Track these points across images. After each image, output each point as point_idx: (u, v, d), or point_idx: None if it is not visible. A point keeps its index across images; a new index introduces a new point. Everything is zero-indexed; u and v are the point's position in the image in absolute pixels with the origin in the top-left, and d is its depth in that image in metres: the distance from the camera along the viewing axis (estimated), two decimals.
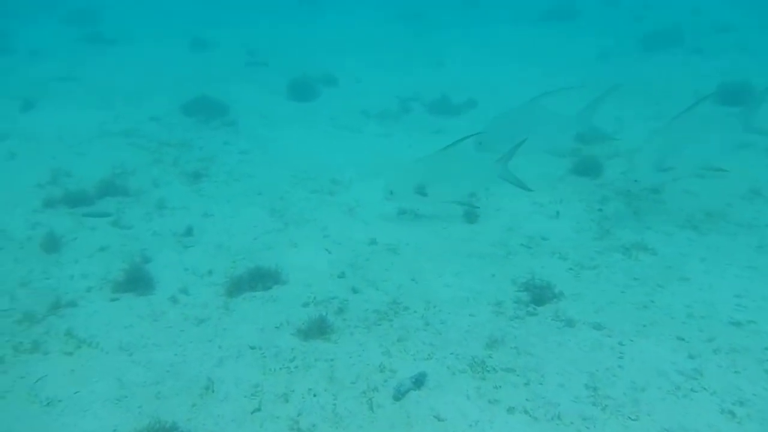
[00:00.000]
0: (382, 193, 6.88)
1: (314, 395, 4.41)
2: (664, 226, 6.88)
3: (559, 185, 8.00)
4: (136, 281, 5.61)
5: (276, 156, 9.09)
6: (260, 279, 5.80)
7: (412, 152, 9.26)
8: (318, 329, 5.09)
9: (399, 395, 4.41)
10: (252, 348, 4.88)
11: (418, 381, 4.52)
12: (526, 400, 4.34)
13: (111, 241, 6.43)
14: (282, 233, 6.83)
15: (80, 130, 9.59)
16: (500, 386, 4.48)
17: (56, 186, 7.58)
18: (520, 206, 7.49)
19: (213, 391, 4.42)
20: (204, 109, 10.54)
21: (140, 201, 7.40)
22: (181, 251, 6.37)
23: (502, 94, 12.14)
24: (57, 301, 5.26)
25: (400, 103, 11.63)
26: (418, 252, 6.50)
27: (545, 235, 6.82)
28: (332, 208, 7.44)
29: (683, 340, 4.97)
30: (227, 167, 8.55)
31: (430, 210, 7.40)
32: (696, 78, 12.93)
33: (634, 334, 5.05)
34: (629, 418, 4.18)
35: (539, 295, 5.58)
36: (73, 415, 4.20)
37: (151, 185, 7.83)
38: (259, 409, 4.27)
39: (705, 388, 4.43)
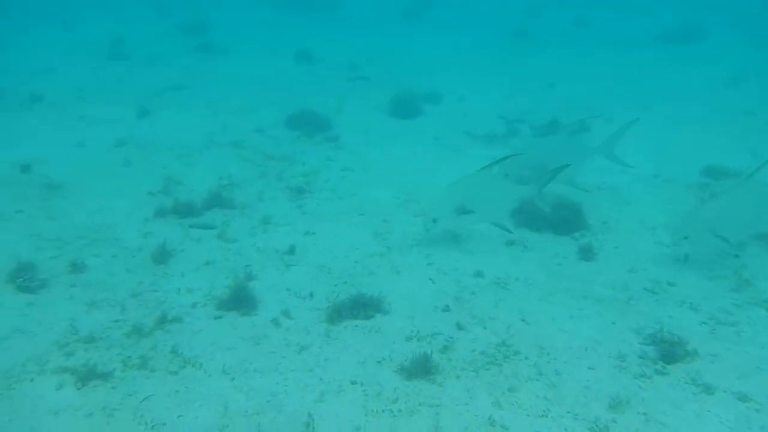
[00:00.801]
0: (423, 224, 6.69)
1: None
2: None
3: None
4: (240, 300, 5.53)
5: (379, 175, 8.90)
6: (362, 307, 5.57)
7: None
8: (422, 368, 4.77)
9: None
10: (353, 383, 4.64)
11: None
12: None
13: (216, 255, 6.43)
14: (384, 258, 6.59)
15: (190, 140, 9.83)
16: None
17: (167, 195, 7.74)
18: (643, 245, 6.88)
19: (314, 430, 4.21)
20: (307, 123, 10.57)
21: (245, 214, 7.41)
22: (283, 270, 6.26)
23: (616, 119, 11.42)
24: (164, 315, 5.25)
25: (506, 124, 11.19)
26: (528, 289, 6.07)
27: (672, 280, 6.19)
28: (436, 235, 7.13)
29: None
30: (330, 184, 8.46)
31: (540, 243, 6.94)
32: None
33: None
34: None
35: (669, 351, 5.00)
36: None
37: (256, 199, 7.84)
38: None
39: None
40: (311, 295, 5.83)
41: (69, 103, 11.42)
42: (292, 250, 6.62)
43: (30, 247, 6.19)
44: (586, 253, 6.69)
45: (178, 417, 4.27)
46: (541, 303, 5.82)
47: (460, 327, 5.39)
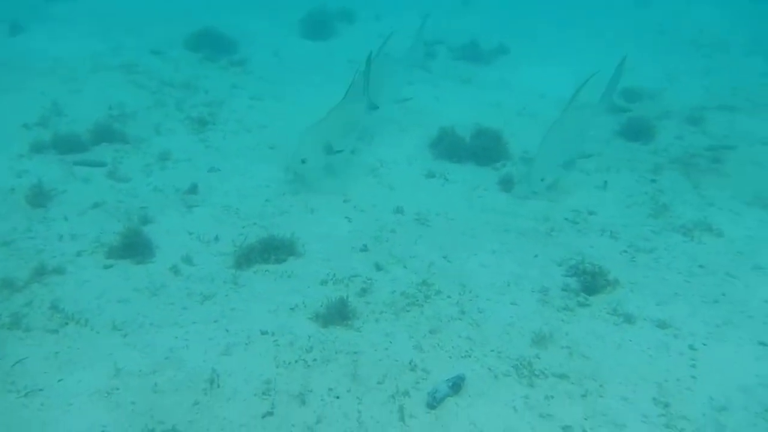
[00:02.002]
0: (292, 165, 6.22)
1: (336, 397, 3.78)
2: (729, 203, 6.15)
3: (606, 151, 7.21)
4: (134, 246, 4.92)
5: (291, 104, 8.24)
6: (273, 250, 5.10)
7: (440, 105, 8.43)
8: (338, 313, 4.43)
9: (434, 403, 3.78)
10: (264, 333, 4.23)
11: (456, 385, 3.88)
12: (585, 418, 3.72)
13: (106, 196, 5.71)
14: (298, 196, 6.10)
15: (75, 62, 8.70)
16: (552, 396, 3.85)
17: (46, 128, 6.79)
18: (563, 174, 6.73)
19: (219, 387, 3.79)
20: (211, 43, 9.64)
21: (140, 149, 6.64)
22: (184, 212, 5.65)
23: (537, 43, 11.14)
24: (42, 265, 4.58)
25: (423, 46, 10.65)
26: (450, 224, 5.79)
27: (592, 209, 6.09)
28: (353, 169, 6.68)
29: (766, 345, 4.32)
30: (237, 114, 7.74)
31: (462, 174, 6.65)
32: None
33: (705, 335, 4.40)
34: None
35: (591, 282, 4.89)
36: (54, 409, 3.58)
37: (153, 132, 7.04)
38: (271, 413, 3.65)
39: None
40: (216, 238, 5.29)
41: None
42: (194, 189, 5.99)
43: None
44: (507, 184, 6.46)
45: (58, 381, 3.73)
46: (463, 238, 5.57)
47: (378, 267, 5.06)
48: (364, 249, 5.32)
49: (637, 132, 7.49)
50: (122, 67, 8.68)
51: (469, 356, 4.15)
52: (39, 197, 5.44)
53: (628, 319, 4.55)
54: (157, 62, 9.14)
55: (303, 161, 5.94)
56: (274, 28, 11.20)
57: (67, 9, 11.12)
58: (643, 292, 4.86)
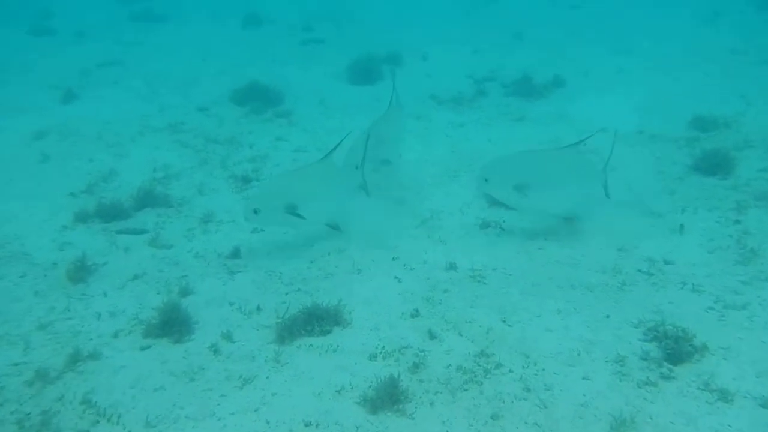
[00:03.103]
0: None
1: None
2: None
3: (680, 188, 6.56)
4: (172, 323, 4.66)
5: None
6: (317, 320, 4.74)
7: (494, 146, 8.00)
8: (389, 396, 3.99)
9: None
10: (307, 425, 3.83)
11: None
12: None
13: (147, 266, 5.52)
14: (343, 254, 5.75)
15: (122, 126, 8.76)
16: None
17: (92, 195, 6.75)
18: (632, 216, 6.14)
19: None
20: (256, 96, 9.56)
21: (182, 213, 6.47)
22: (226, 279, 5.39)
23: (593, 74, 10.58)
24: (77, 351, 4.35)
25: (474, 84, 10.30)
26: (508, 280, 5.30)
27: (669, 257, 5.47)
28: (401, 220, 6.30)
29: None
30: (280, 169, 7.52)
31: (519, 223, 6.16)
32: None
33: None
34: None
35: (674, 348, 4.29)
36: None
37: (196, 192, 6.90)
38: None
39: None
40: (258, 308, 4.98)
41: None
42: (236, 253, 5.74)
43: None
44: (570, 232, 5.93)
45: None
46: (524, 296, 5.06)
47: (432, 336, 4.61)
48: (416, 314, 4.90)
49: (714, 165, 6.80)
50: (169, 128, 8.68)
51: None
52: (80, 272, 5.29)
53: (724, 395, 3.92)
54: (202, 119, 9.12)
55: (255, 211, 5.42)
56: (322, 78, 11.10)
57: (116, 72, 11.38)
58: (738, 360, 4.22)
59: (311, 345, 4.55)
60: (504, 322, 4.76)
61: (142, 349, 4.50)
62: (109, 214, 6.27)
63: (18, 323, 4.66)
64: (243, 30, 14.70)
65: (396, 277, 5.41)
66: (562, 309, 4.88)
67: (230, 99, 9.75)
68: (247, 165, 7.58)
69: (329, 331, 4.69)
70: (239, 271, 5.52)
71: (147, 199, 6.55)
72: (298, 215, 5.47)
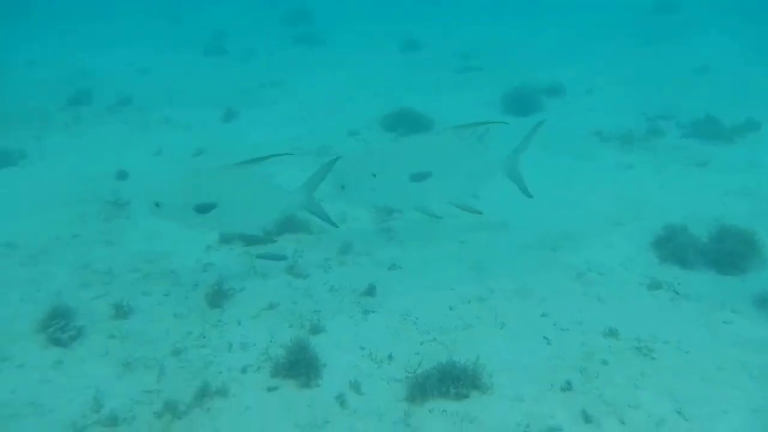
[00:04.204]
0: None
1: None
2: None
3: None
4: (300, 364, 4.39)
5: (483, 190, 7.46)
6: (453, 380, 4.24)
7: (666, 194, 7.04)
8: None
9: None
10: None
11: None
12: None
13: (282, 296, 5.36)
14: (485, 304, 5.21)
15: (273, 147, 8.87)
16: None
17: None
18: None
19: None
20: (406, 122, 9.30)
21: (321, 241, 6.29)
22: (358, 320, 5.07)
23: None
24: (206, 385, 4.21)
25: (646, 121, 9.27)
26: (684, 359, 4.45)
27: None
28: (554, 273, 5.63)
29: None
30: None
31: (698, 287, 5.23)
32: None
33: None
34: None
35: None
36: None
37: (338, 220, 6.67)
38: None
39: None
40: (390, 357, 4.58)
41: (155, 105, 10.86)
42: (371, 291, 5.41)
43: (76, 283, 5.44)
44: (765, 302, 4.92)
45: None
46: (705, 383, 4.19)
47: (587, 418, 3.93)
48: (567, 387, 4.23)
49: None
50: (317, 150, 8.66)
51: None
52: (217, 296, 5.23)
53: None
54: (350, 144, 9.03)
55: (156, 204, 4.98)
56: (475, 106, 10.66)
57: (275, 93, 11.74)
58: None
59: (444, 411, 4.05)
60: (679, 414, 3.95)
61: (269, 390, 4.26)
62: (252, 237, 6.24)
63: (155, 346, 4.65)
64: (399, 54, 14.72)
65: (545, 338, 4.77)
66: (759, 408, 3.95)
67: (380, 124, 9.60)
68: None
69: (466, 396, 4.17)
70: (373, 311, 5.18)
71: (288, 224, 6.46)
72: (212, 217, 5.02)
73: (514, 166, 5.86)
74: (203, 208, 4.99)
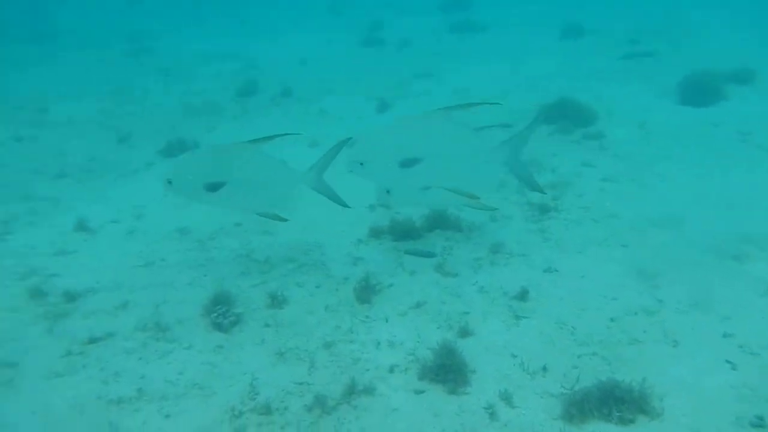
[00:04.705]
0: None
1: None
2: None
3: None
4: (448, 369, 4.24)
5: (652, 189, 6.78)
6: (616, 402, 3.84)
7: None
8: None
9: None
10: None
11: None
12: None
13: (430, 295, 5.23)
14: (654, 317, 4.69)
15: None
16: None
17: (388, 209, 6.78)
18: None
19: None
20: (565, 114, 8.74)
21: (472, 239, 6.07)
22: (510, 324, 4.79)
23: None
24: (354, 382, 4.21)
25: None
26: None
27: None
28: (741, 285, 4.93)
29: None
30: (584, 199, 6.65)
31: None
32: None
33: None
34: None
35: None
36: None
37: (488, 218, 6.44)
38: None
39: None
40: (544, 369, 4.27)
41: (314, 96, 11.26)
42: (524, 295, 5.10)
43: (237, 271, 5.72)
44: None
45: None
46: None
47: None
48: (759, 424, 3.67)
49: None
50: None
51: None
52: (366, 291, 5.23)
53: None
54: (504, 136, 8.64)
55: (168, 181, 5.03)
56: (645, 96, 9.77)
57: (428, 83, 11.67)
58: None
59: None
60: None
61: (416, 392, 4.15)
62: (401, 231, 6.18)
63: (308, 338, 4.73)
64: (560, 41, 13.97)
65: (728, 362, 4.17)
66: None
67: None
68: (547, 191, 6.86)
69: (631, 421, 3.76)
70: (525, 317, 4.87)
71: (438, 220, 6.31)
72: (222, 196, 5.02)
73: (518, 156, 5.32)
74: (213, 186, 5.05)
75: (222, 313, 4.94)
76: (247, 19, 20.22)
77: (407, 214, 6.35)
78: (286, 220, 5.42)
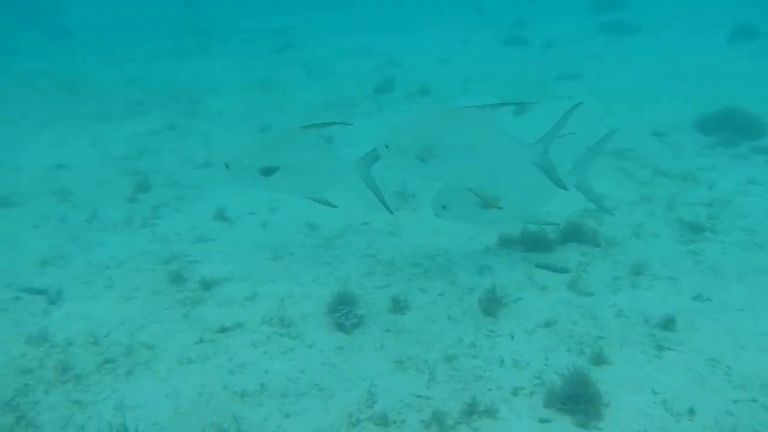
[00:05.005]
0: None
1: None
2: None
3: None
4: (578, 398, 3.91)
5: None
6: None
7: None
8: None
9: None
10: None
11: None
12: None
13: (560, 314, 4.87)
14: None
15: (564, 145, 8.25)
16: None
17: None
18: None
19: None
20: (729, 125, 7.86)
21: (611, 257, 5.60)
22: (651, 356, 4.33)
23: None
24: (474, 401, 3.99)
25: None
26: None
27: None
28: None
29: None
30: (748, 221, 5.91)
31: None
32: None
33: None
34: None
35: None
36: None
37: (631, 234, 5.91)
38: None
39: None
40: (691, 411, 3.80)
41: (451, 96, 11.08)
42: (669, 324, 4.59)
43: (362, 271, 5.69)
44: None
45: None
46: None
47: None
48: None
49: None
50: (614, 152, 7.82)
51: None
52: (492, 304, 4.98)
53: None
54: (655, 146, 7.98)
55: (226, 166, 5.26)
56: None
57: (571, 86, 11.07)
58: None
59: None
60: None
61: (541, 421, 3.85)
62: (531, 242, 5.84)
63: (428, 348, 4.57)
64: (728, 44, 12.68)
65: None
66: None
67: (695, 125, 8.32)
68: (702, 209, 6.18)
69: None
70: (670, 349, 4.38)
71: (573, 233, 5.90)
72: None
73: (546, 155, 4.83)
74: (268, 171, 5.20)
75: (345, 314, 4.93)
76: (387, 16, 20.51)
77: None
78: (335, 206, 5.51)
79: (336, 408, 4.04)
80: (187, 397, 4.13)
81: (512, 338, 4.66)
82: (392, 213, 5.59)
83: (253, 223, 6.78)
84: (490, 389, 4.14)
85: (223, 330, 4.84)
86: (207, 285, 5.44)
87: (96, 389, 4.20)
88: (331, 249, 6.14)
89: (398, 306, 5.08)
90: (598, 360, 4.30)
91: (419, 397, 4.11)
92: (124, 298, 5.31)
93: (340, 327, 4.86)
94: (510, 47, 14.76)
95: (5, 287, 5.44)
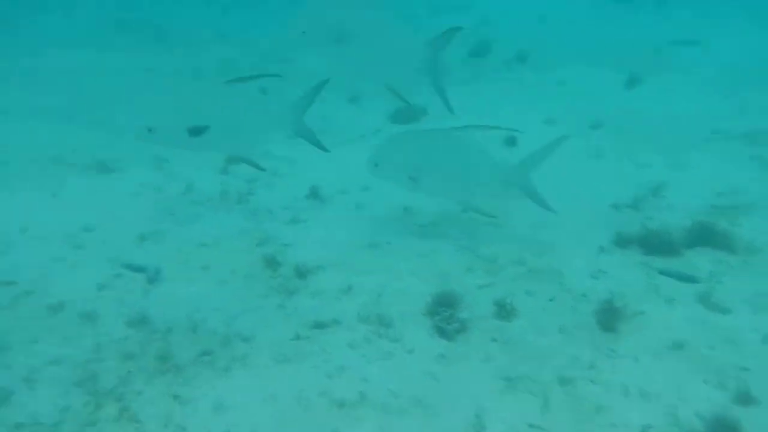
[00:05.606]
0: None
1: None
2: None
3: None
4: None
5: None
6: None
7: None
8: None
9: None
10: None
11: None
12: None
13: (691, 334, 4.32)
14: None
15: (684, 127, 7.45)
16: None
17: (636, 212, 5.83)
18: None
19: None
20: None
21: (751, 266, 4.95)
22: None
23: None
24: None
25: None
26: None
27: None
28: None
29: None
30: None
31: None
32: None
33: None
34: None
35: None
36: None
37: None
38: None
39: None
40: None
41: (551, 63, 10.26)
42: None
43: (462, 266, 5.30)
44: None
45: None
46: None
47: None
48: None
49: None
50: (746, 137, 6.96)
51: None
52: (611, 316, 4.49)
53: None
54: None
55: (149, 130, 4.97)
56: None
57: (691, 55, 10.02)
58: None
59: None
60: None
61: None
62: (653, 244, 5.26)
63: (540, 365, 4.16)
64: None
65: None
66: None
67: None
68: None
69: None
70: None
71: (703, 235, 5.26)
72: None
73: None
74: (197, 131, 4.84)
75: (446, 317, 4.58)
76: None
77: (663, 222, 5.40)
78: (263, 169, 5.47)
79: (440, 430, 3.74)
80: (284, 402, 3.92)
81: (636, 361, 4.18)
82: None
83: (347, 203, 6.48)
84: (615, 425, 3.71)
85: (318, 326, 4.60)
86: (301, 273, 5.19)
87: (195, 383, 4.04)
88: (428, 239, 5.76)
89: (504, 311, 4.67)
90: (743, 398, 3.77)
91: (533, 427, 3.75)
92: (220, 281, 5.16)
93: (442, 332, 4.51)
94: (619, 4, 13.51)
95: (107, 261, 5.37)
